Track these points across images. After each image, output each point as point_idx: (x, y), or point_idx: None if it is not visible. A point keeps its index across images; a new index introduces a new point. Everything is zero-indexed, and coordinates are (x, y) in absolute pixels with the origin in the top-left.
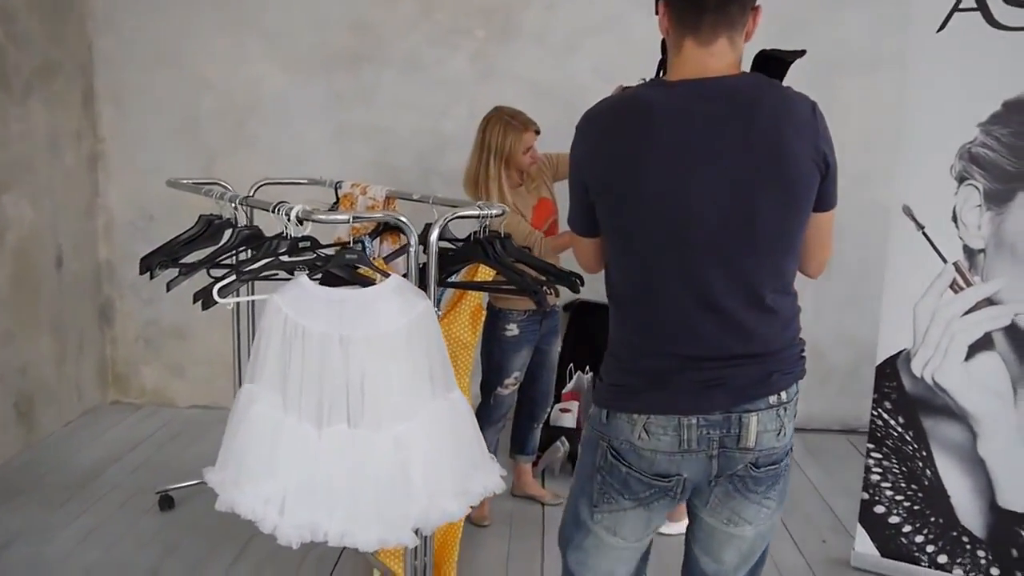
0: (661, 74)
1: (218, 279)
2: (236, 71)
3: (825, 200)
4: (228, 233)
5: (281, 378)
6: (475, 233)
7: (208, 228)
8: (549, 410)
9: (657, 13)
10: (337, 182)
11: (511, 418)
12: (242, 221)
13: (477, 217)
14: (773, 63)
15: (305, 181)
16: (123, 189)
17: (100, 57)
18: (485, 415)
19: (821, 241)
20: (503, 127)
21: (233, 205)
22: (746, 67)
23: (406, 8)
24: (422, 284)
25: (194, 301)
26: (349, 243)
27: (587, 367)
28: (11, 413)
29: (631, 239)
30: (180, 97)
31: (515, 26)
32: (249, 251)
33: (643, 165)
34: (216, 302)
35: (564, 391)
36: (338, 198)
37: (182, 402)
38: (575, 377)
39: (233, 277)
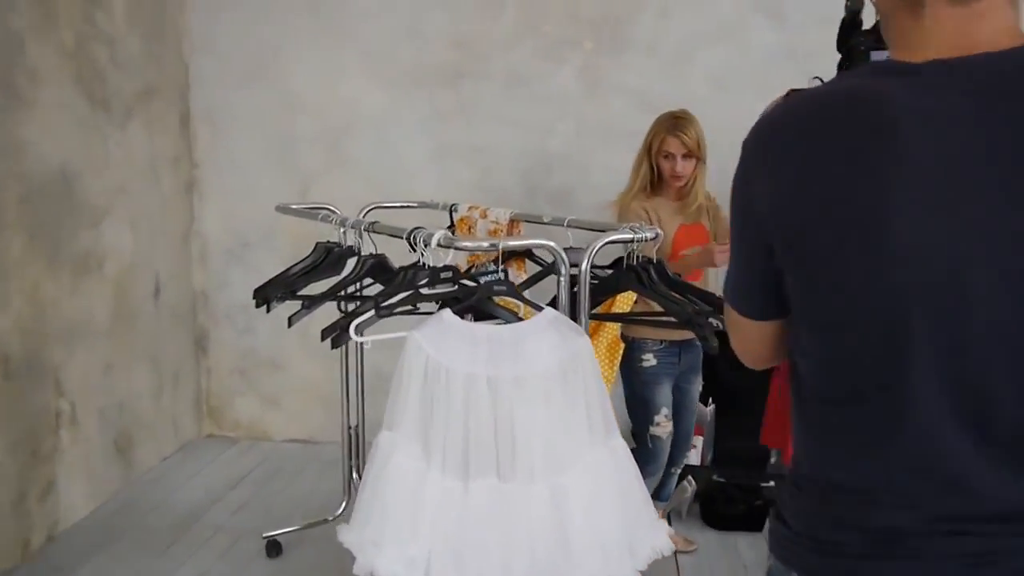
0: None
1: (349, 314)
2: (331, 89)
3: None
4: (351, 262)
5: (422, 425)
6: (625, 258)
7: (327, 257)
8: (687, 457)
9: None
10: (452, 205)
11: None
12: (366, 248)
13: (631, 241)
14: None
15: (415, 204)
16: (218, 214)
17: (196, 78)
18: (643, 462)
19: None
20: (657, 120)
21: (357, 232)
22: None
23: (509, 20)
24: (572, 317)
25: (323, 338)
26: (474, 271)
27: (709, 399)
28: (112, 450)
29: (855, 323)
30: (274, 117)
31: (625, 36)
32: (376, 282)
33: (881, 204)
34: (346, 340)
35: None
36: (452, 222)
37: (277, 435)
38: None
39: (370, 312)
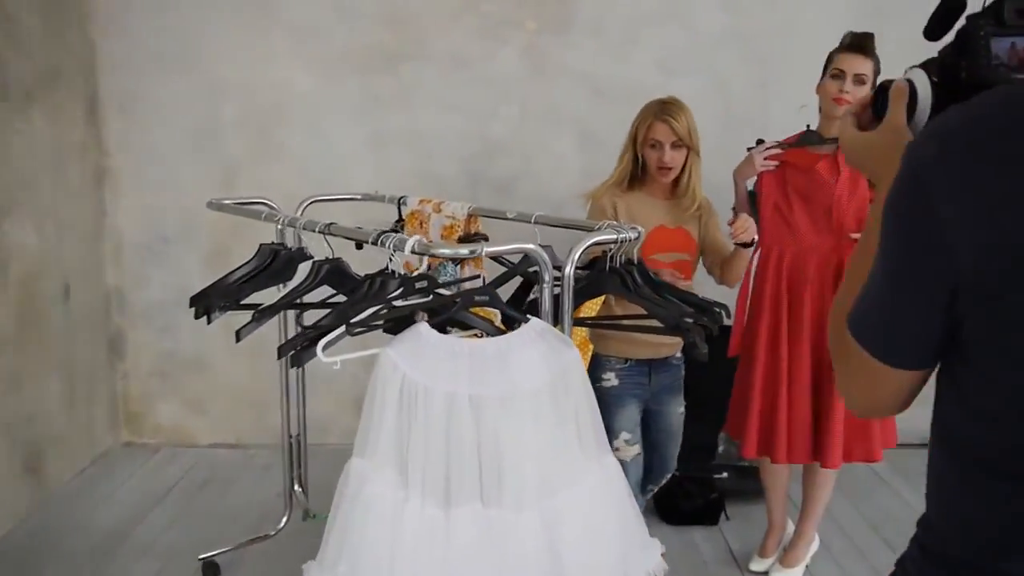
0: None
1: (310, 328)
2: (257, 72)
3: None
4: (303, 268)
5: (398, 450)
6: (607, 260)
7: (273, 260)
8: (664, 482)
9: None
10: (401, 197)
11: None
12: (317, 250)
13: (614, 242)
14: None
15: (359, 197)
16: (132, 208)
17: (104, 60)
18: None
19: None
20: (644, 108)
21: (296, 231)
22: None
23: None
24: (555, 324)
25: (281, 355)
26: (429, 270)
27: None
28: (19, 470)
29: None
30: (193, 102)
31: (569, 17)
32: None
33: None
34: (309, 359)
35: None
36: (401, 216)
37: (204, 440)
38: None
39: (340, 330)
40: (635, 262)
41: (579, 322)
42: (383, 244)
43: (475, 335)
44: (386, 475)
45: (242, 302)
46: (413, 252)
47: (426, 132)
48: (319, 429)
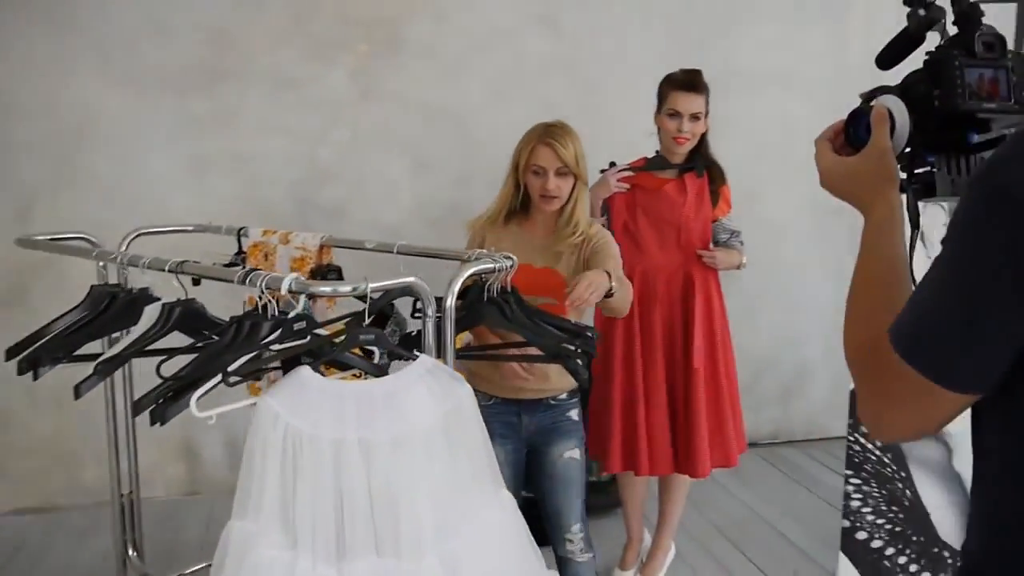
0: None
1: (171, 379)
2: (57, 89)
3: None
4: (149, 311)
5: (283, 507)
6: (485, 290)
7: (110, 304)
8: (576, 538)
9: None
10: (241, 229)
11: None
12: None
13: (492, 271)
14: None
15: (191, 228)
16: None
17: None
18: None
19: None
20: (528, 131)
21: (168, 271)
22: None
23: (271, 16)
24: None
25: (138, 412)
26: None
27: None
28: None
29: None
30: None
31: (399, 40)
32: (192, 338)
33: None
34: (174, 415)
35: None
36: (241, 249)
37: (3, 506)
38: None
39: (215, 380)
40: (509, 291)
41: (462, 355)
42: (252, 283)
43: (354, 375)
44: (272, 537)
45: (76, 353)
46: (290, 292)
47: (250, 156)
48: (142, 482)
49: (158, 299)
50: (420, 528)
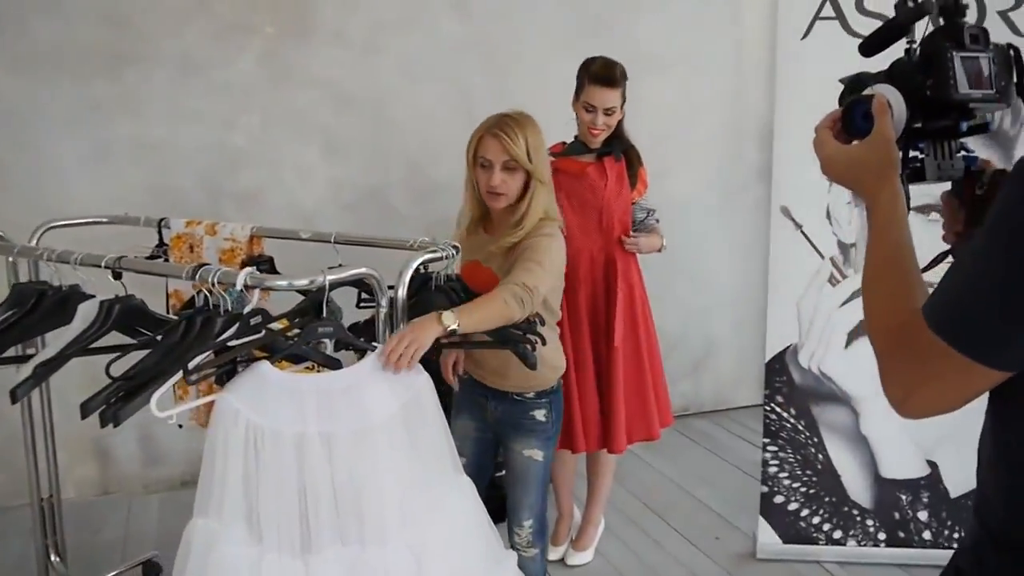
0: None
1: (120, 380)
2: None
3: None
4: (84, 309)
5: (246, 503)
6: (433, 278)
7: (38, 303)
8: (525, 533)
9: None
10: (161, 219)
11: None
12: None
13: (441, 259)
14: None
15: (105, 220)
16: None
17: None
18: None
19: None
20: (480, 124)
21: (104, 266)
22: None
23: None
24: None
25: (86, 414)
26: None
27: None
28: None
29: None
30: None
31: (308, 22)
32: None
33: None
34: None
35: None
36: (162, 241)
37: None
38: None
39: (176, 376)
40: (455, 278)
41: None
42: (202, 278)
43: (307, 368)
44: (235, 533)
45: (3, 355)
46: (246, 287)
47: (157, 143)
48: (73, 482)
49: (91, 296)
50: (383, 516)
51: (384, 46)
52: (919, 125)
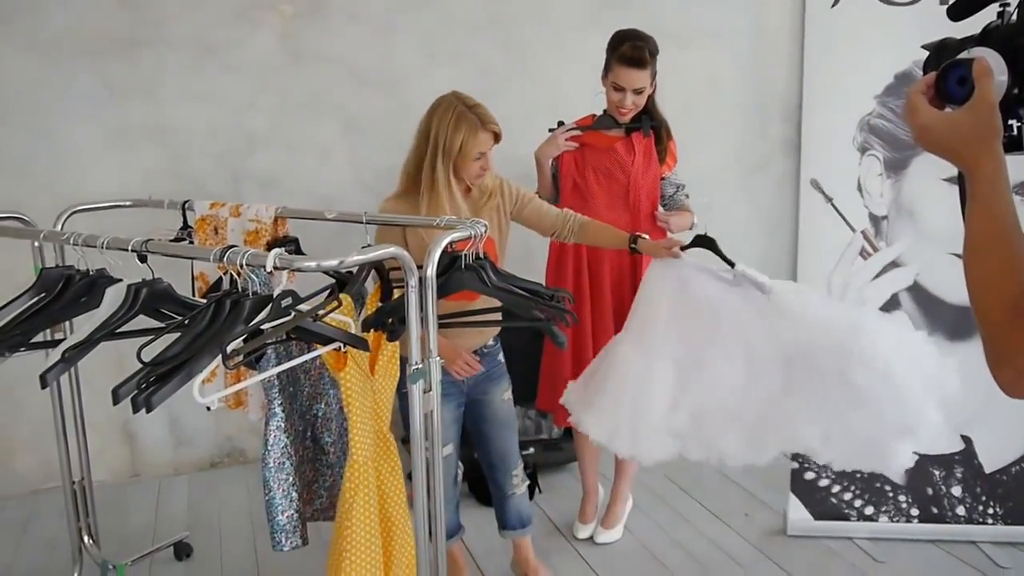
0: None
1: (151, 365)
2: None
3: None
4: (112, 292)
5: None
6: (462, 257)
7: (65, 287)
8: (519, 473)
9: None
10: (185, 202)
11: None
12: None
13: (469, 237)
14: None
15: (129, 203)
16: None
17: None
18: None
19: None
20: (455, 118)
21: (131, 251)
22: None
23: None
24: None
25: (118, 400)
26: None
27: None
28: None
29: None
30: None
31: (324, 1)
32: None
33: None
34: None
35: None
36: (187, 223)
37: None
38: None
39: (215, 361)
40: (483, 256)
41: (443, 322)
42: (231, 261)
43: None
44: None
45: (33, 340)
46: (275, 268)
47: (175, 126)
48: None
49: (119, 280)
50: None
51: (400, 25)
52: (1017, 91)
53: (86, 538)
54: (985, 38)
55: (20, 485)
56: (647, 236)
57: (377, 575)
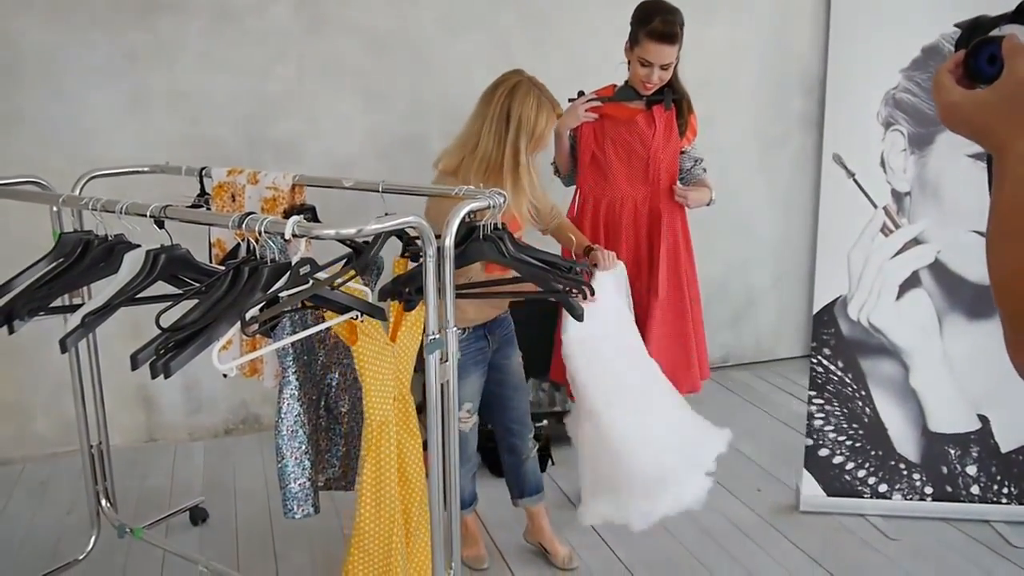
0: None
1: (168, 331)
2: None
3: None
4: (130, 258)
5: None
6: (480, 228)
7: (85, 252)
8: (534, 435)
9: None
10: (202, 168)
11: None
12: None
13: (488, 208)
14: None
15: (147, 169)
16: None
17: None
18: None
19: None
20: (536, 101)
21: (149, 216)
22: None
23: None
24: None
25: (137, 366)
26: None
27: None
28: None
29: None
30: None
31: None
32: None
33: None
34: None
35: None
36: (204, 190)
37: None
38: None
39: (233, 328)
40: (501, 227)
41: (461, 293)
42: (249, 227)
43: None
44: None
45: (52, 305)
46: (294, 236)
47: (193, 93)
48: (124, 430)
49: (138, 246)
50: None
51: None
52: None
53: (103, 501)
54: (1018, 15)
55: (39, 447)
56: (598, 247)
57: (392, 532)
